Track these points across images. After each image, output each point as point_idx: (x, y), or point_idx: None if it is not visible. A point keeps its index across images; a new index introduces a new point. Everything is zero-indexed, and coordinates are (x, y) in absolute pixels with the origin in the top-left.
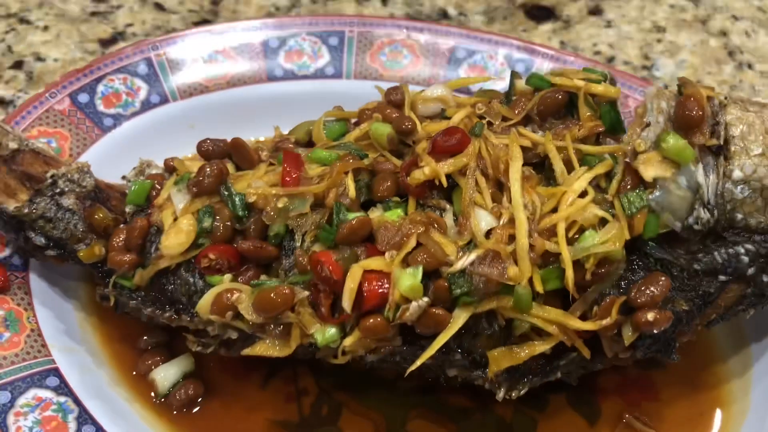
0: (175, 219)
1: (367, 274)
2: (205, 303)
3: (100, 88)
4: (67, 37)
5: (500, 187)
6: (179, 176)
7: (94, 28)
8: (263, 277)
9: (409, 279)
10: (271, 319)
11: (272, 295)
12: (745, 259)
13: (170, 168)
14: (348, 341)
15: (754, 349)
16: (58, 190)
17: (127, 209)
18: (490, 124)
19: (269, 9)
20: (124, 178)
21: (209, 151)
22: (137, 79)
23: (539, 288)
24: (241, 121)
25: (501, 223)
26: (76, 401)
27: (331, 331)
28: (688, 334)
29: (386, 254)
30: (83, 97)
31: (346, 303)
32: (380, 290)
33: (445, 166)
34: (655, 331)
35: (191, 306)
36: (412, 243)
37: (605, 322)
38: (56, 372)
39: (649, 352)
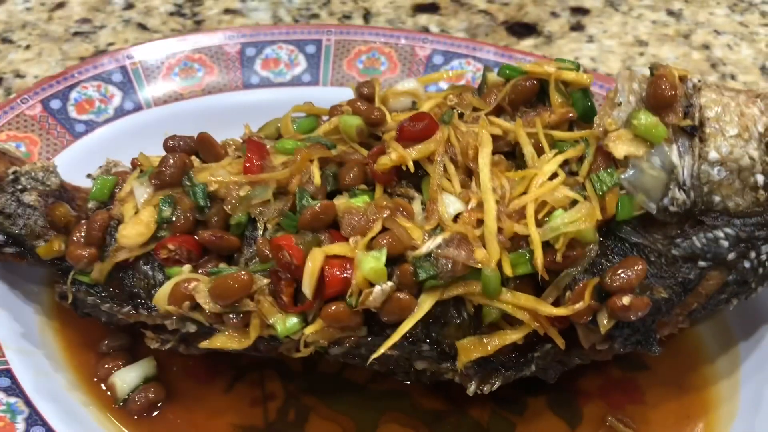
0: (137, 212)
1: (329, 259)
2: (162, 294)
3: (73, 94)
4: (48, 56)
5: (470, 174)
6: (143, 171)
7: (76, 46)
8: (222, 266)
9: (372, 262)
10: (229, 308)
11: (229, 281)
12: (725, 243)
13: (137, 165)
14: (309, 330)
15: (741, 348)
16: (20, 187)
17: (90, 205)
18: (461, 115)
19: None
20: (89, 176)
21: (175, 147)
22: (111, 86)
23: (508, 271)
24: (217, 129)
25: (469, 207)
26: (28, 403)
27: (293, 320)
28: (669, 326)
29: (350, 240)
30: (55, 103)
31: (307, 288)
32: (343, 275)
33: (413, 152)
34: (632, 318)
35: (150, 300)
36: (378, 228)
37: (578, 306)
38: (8, 373)
39: (628, 344)
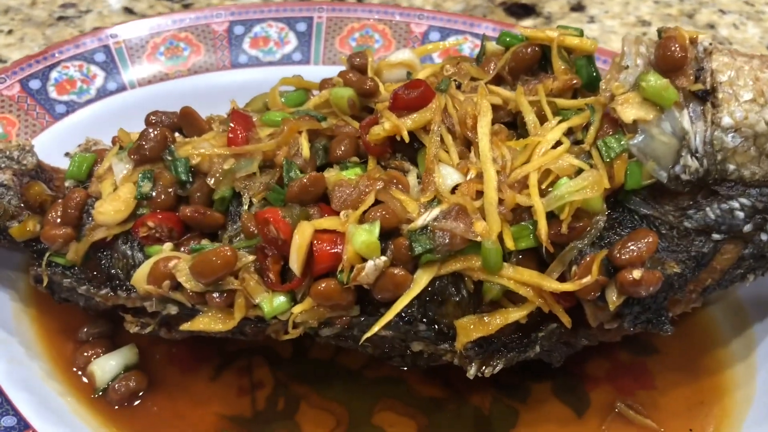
0: (116, 189)
1: (318, 233)
2: (141, 274)
3: (54, 74)
4: (31, 41)
5: (468, 146)
6: (123, 147)
7: (60, 31)
8: (205, 242)
9: (364, 235)
10: (212, 286)
11: (212, 257)
12: (740, 214)
13: (117, 142)
14: (298, 309)
15: (757, 329)
16: None
17: (67, 184)
18: (459, 86)
19: None
20: (67, 155)
21: (157, 122)
22: (94, 66)
23: (510, 245)
24: (204, 110)
25: (468, 178)
26: None
27: (280, 299)
28: (681, 304)
29: (341, 214)
30: (35, 83)
31: (294, 264)
32: (333, 250)
33: (408, 121)
34: (643, 293)
35: (129, 281)
36: (370, 200)
37: (585, 281)
38: None
39: (638, 323)
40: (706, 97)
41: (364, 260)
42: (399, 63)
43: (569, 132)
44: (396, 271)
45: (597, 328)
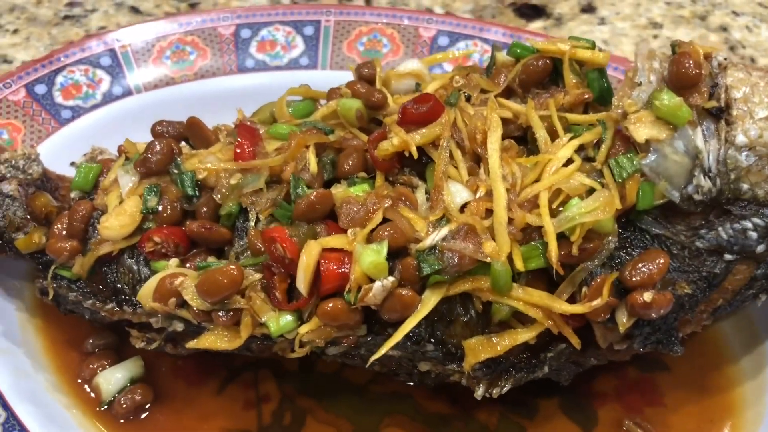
0: (121, 202)
1: (326, 252)
2: (147, 290)
3: (59, 79)
4: (37, 40)
5: (478, 161)
6: (129, 158)
7: (65, 31)
8: (211, 259)
9: (372, 255)
10: (218, 305)
11: (218, 276)
12: (754, 234)
13: (123, 153)
14: (304, 329)
15: None
16: None
17: (73, 195)
18: (468, 98)
19: None
20: (73, 164)
21: (164, 132)
22: (99, 70)
23: (520, 266)
24: (210, 115)
25: (477, 196)
26: (5, 406)
27: (286, 318)
28: (692, 324)
29: (348, 232)
30: (40, 88)
31: (301, 284)
32: (340, 270)
33: (416, 137)
34: (653, 315)
35: (135, 296)
36: (378, 218)
37: (595, 303)
38: None
39: (648, 344)
40: (720, 114)
41: (372, 280)
42: (407, 73)
43: (580, 148)
44: (404, 292)
45: (606, 348)
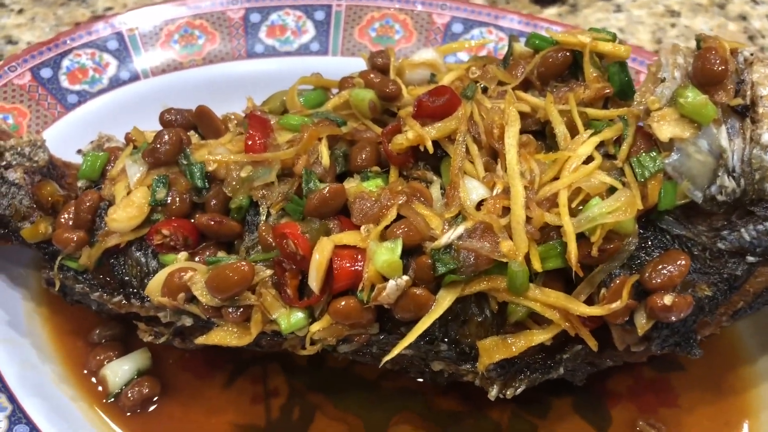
0: (129, 192)
1: (338, 249)
2: (155, 284)
3: (66, 62)
4: (42, 21)
5: (494, 156)
6: (137, 147)
7: (71, 11)
8: (221, 254)
9: (386, 254)
10: (228, 301)
11: (228, 272)
12: None
13: (130, 141)
14: (315, 327)
15: None
16: (4, 163)
17: (80, 184)
18: (485, 90)
19: None
20: (79, 152)
21: (172, 121)
22: (106, 54)
23: (537, 266)
24: (218, 101)
25: (494, 193)
26: (11, 398)
27: (298, 315)
28: (711, 326)
29: (362, 228)
30: (46, 72)
31: (313, 281)
32: (353, 268)
33: (432, 131)
34: (673, 319)
35: (143, 289)
36: (392, 215)
37: (614, 306)
38: None
39: (666, 346)
40: (745, 112)
41: (385, 279)
42: (422, 63)
43: (600, 145)
44: (418, 292)
45: (623, 350)
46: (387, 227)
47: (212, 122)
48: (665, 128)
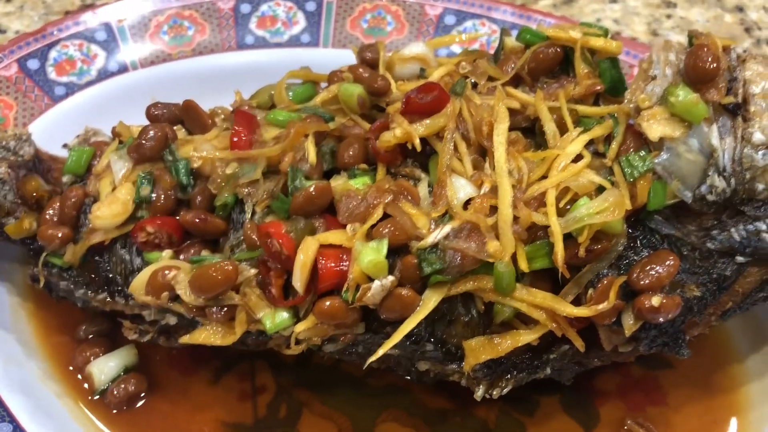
0: (114, 188)
1: (323, 249)
2: (139, 282)
3: (53, 54)
4: (31, 9)
5: (483, 154)
6: (122, 142)
7: (61, 0)
8: (205, 253)
9: (371, 254)
10: (212, 301)
11: (212, 271)
12: (767, 236)
13: (116, 136)
14: (300, 327)
15: None
16: None
17: (65, 179)
18: (474, 85)
19: None
20: (65, 146)
21: (159, 115)
22: (94, 45)
23: (524, 266)
24: (207, 93)
25: (482, 192)
26: None
27: (282, 315)
28: (699, 326)
29: (348, 227)
30: (33, 64)
31: (298, 281)
32: (338, 268)
33: (420, 128)
34: (661, 320)
35: (127, 287)
36: (378, 214)
37: (602, 307)
38: None
39: (654, 346)
40: (736, 110)
41: (371, 279)
42: (412, 57)
43: (590, 142)
44: (404, 292)
45: (611, 350)
46: (373, 226)
47: (199, 117)
48: (655, 128)
